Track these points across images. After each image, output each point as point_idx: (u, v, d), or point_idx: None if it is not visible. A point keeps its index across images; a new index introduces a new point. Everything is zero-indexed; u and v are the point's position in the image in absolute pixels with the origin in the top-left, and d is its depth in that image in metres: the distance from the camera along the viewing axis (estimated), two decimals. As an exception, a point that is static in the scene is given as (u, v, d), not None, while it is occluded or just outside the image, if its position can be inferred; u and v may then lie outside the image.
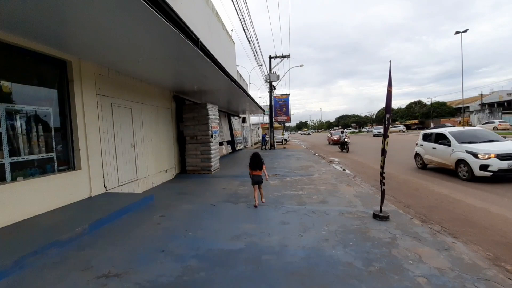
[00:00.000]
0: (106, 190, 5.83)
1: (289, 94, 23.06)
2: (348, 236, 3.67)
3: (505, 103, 66.48)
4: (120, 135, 6.48)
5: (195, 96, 11.11)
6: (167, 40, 4.55)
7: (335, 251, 3.25)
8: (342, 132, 18.75)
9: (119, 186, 6.29)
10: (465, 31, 30.58)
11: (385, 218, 4.35)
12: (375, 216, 4.44)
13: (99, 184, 5.67)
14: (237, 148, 20.50)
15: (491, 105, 67.95)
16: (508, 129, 37.42)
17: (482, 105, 70.57)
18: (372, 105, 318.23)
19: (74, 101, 5.20)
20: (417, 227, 4.03)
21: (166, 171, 8.79)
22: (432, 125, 66.92)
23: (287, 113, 23.08)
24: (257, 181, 5.37)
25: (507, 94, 73.14)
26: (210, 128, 9.47)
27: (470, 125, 47.60)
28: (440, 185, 7.09)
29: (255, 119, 51.69)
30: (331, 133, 27.72)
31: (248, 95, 14.06)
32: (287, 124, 41.16)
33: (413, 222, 4.24)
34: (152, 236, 3.78)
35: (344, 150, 17.80)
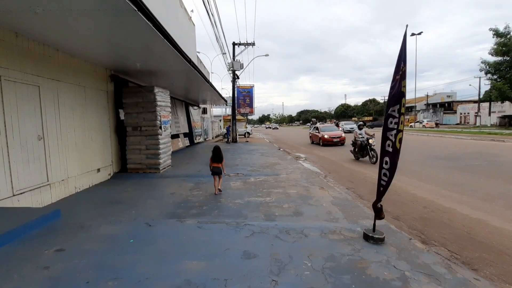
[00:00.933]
0: (-14, 203, 3.94)
1: (253, 85, 21.81)
2: (343, 280, 2.50)
3: (446, 104, 73.44)
4: (18, 122, 4.54)
5: (142, 78, 9.19)
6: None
7: (331, 316, 2.04)
8: (361, 127, 10.93)
9: (14, 195, 4.39)
10: (420, 33, 32.27)
11: (380, 241, 3.30)
12: (367, 237, 3.38)
13: (-28, 195, 3.77)
14: (196, 141, 18.72)
15: (434, 105, 74.47)
16: (433, 127, 41.81)
17: (427, 105, 76.95)
18: (331, 101, 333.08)
19: None
20: (422, 254, 3.04)
21: (99, 170, 6.91)
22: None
23: (250, 104, 21.76)
24: (217, 172, 5.70)
25: (447, 96, 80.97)
26: (159, 117, 7.75)
27: (418, 122, 51.34)
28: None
29: (217, 110, 49.57)
30: (317, 129, 19.00)
31: (209, 83, 12.44)
32: (249, 117, 39.98)
33: (415, 246, 3.26)
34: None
35: (368, 159, 10.35)
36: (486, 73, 23.62)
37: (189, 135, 17.20)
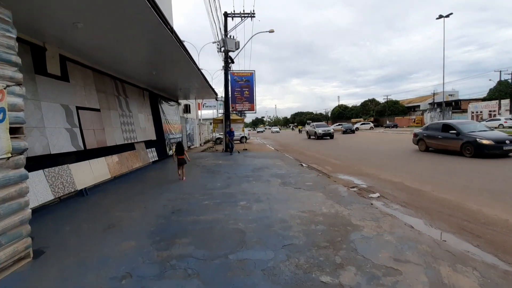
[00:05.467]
0: None
1: (253, 72, 15.71)
2: None
3: (453, 103, 69.34)
4: None
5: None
6: None
7: None
8: None
9: None
10: (448, 15, 26.99)
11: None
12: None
13: None
14: (170, 152, 12.54)
15: (439, 104, 70.34)
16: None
17: (433, 104, 73.08)
18: (324, 104, 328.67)
19: None
20: None
21: None
22: (387, 122, 66.83)
23: (250, 99, 15.57)
24: (181, 163, 6.97)
25: (449, 95, 77.26)
26: None
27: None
28: None
29: (207, 113, 43.43)
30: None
31: (185, 51, 6.43)
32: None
33: None
34: None
35: None
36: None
37: (158, 143, 11.03)
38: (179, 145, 7.14)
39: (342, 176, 7.62)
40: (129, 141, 8.15)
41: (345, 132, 33.82)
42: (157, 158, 10.46)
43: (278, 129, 63.15)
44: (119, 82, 7.99)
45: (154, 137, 10.47)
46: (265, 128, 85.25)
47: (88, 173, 5.81)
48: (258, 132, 68.24)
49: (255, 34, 16.08)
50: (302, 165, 9.64)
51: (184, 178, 6.98)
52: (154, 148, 10.37)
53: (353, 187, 6.25)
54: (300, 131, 46.20)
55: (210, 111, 43.34)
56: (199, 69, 8.56)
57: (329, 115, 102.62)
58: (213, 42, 20.60)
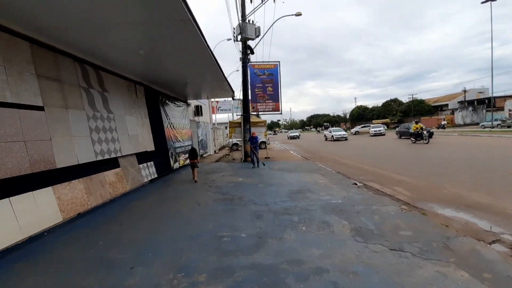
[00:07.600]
0: None
1: (278, 63, 12.82)
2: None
3: (486, 101, 63.80)
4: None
5: None
6: None
7: None
8: None
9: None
10: (496, -2, 23.21)
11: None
12: None
13: None
14: (178, 165, 9.88)
15: (471, 102, 65.07)
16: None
17: (463, 102, 67.73)
18: (339, 106, 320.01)
19: None
20: None
21: None
22: (411, 121, 62.08)
23: (275, 97, 12.65)
24: (193, 166, 7.68)
25: (479, 92, 72.09)
26: None
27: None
28: None
29: (222, 117, 41.04)
30: None
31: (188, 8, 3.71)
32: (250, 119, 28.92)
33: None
34: None
35: None
36: None
37: (159, 155, 8.40)
38: (193, 151, 7.92)
39: (441, 211, 4.61)
40: (108, 156, 5.52)
41: (417, 138, 17.21)
42: (156, 175, 7.82)
43: (343, 132, 29.87)
44: (92, 68, 5.39)
45: (152, 147, 7.83)
46: (299, 132, 51.59)
47: (6, 224, 3.17)
48: (290, 137, 42.89)
49: (280, 18, 13.37)
50: (356, 184, 6.70)
51: (196, 180, 7.49)
52: (152, 162, 7.73)
53: (495, 242, 3.29)
54: (420, 134, 17.33)
55: (225, 115, 40.76)
56: (209, 48, 5.83)
57: (347, 117, 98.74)
58: (228, 39, 18.09)
